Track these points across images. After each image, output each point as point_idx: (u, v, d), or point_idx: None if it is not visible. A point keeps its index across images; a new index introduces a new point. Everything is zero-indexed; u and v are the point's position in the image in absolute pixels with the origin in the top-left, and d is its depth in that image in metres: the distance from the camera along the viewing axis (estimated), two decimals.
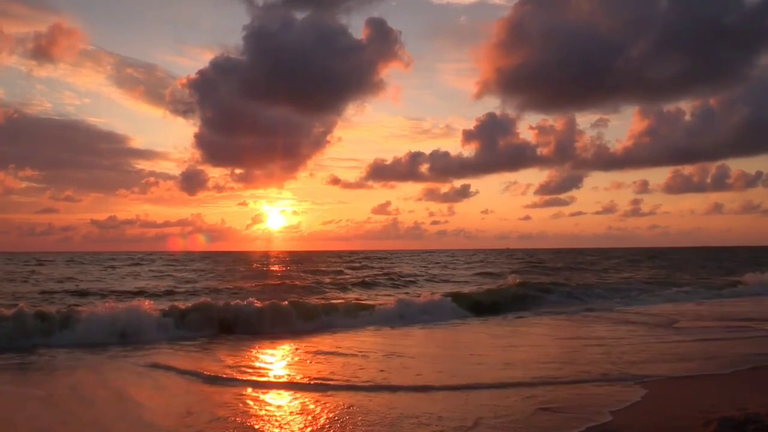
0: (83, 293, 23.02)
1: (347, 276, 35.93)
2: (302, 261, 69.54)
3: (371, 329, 14.79)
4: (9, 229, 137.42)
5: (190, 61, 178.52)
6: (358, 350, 11.42)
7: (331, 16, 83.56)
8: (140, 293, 22.60)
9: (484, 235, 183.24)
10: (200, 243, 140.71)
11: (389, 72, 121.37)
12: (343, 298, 21.54)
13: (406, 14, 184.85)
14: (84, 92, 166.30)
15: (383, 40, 69.04)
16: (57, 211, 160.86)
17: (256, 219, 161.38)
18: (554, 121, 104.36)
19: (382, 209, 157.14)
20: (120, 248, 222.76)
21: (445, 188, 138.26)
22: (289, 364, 10.39)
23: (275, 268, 50.70)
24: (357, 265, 53.35)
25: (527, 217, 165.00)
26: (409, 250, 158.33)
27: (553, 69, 60.87)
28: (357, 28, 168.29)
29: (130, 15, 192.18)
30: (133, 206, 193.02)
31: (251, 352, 11.65)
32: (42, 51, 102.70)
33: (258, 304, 15.58)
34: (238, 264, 58.54)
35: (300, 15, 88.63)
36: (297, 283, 28.72)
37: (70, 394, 8.00)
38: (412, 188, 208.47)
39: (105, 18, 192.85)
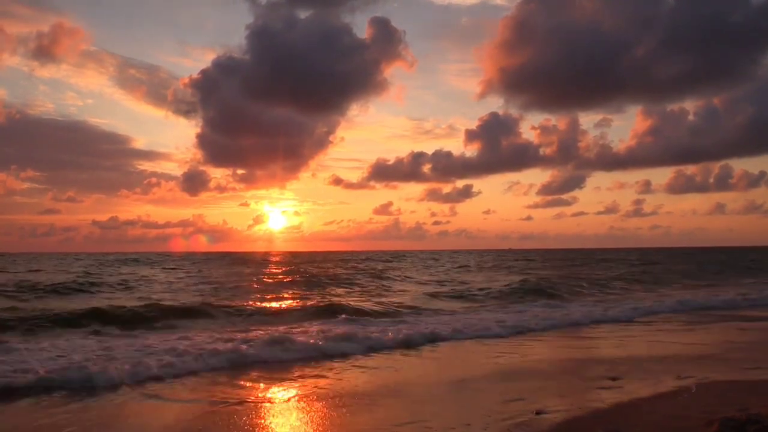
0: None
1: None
2: (345, 261, 64.13)
3: None
4: (11, 230, 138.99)
5: (193, 61, 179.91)
6: None
7: (334, 16, 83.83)
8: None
9: (485, 236, 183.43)
10: (202, 243, 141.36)
11: (392, 72, 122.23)
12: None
13: (409, 15, 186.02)
14: (86, 93, 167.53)
15: (387, 40, 69.18)
16: (59, 212, 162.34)
17: (258, 219, 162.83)
18: (557, 121, 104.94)
19: (384, 210, 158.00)
20: (121, 249, 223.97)
21: (447, 188, 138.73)
22: None
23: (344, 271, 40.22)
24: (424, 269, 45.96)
25: (529, 218, 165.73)
26: (410, 251, 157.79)
27: (557, 69, 61.02)
28: (360, 27, 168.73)
29: (132, 15, 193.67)
30: (135, 207, 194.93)
31: None
32: (44, 51, 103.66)
33: None
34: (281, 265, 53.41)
35: (303, 14, 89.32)
36: None
37: None
38: (414, 189, 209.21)
39: (107, 18, 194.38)
